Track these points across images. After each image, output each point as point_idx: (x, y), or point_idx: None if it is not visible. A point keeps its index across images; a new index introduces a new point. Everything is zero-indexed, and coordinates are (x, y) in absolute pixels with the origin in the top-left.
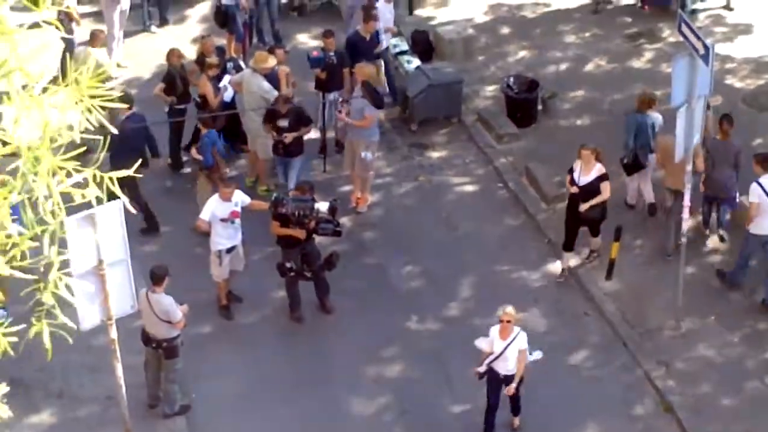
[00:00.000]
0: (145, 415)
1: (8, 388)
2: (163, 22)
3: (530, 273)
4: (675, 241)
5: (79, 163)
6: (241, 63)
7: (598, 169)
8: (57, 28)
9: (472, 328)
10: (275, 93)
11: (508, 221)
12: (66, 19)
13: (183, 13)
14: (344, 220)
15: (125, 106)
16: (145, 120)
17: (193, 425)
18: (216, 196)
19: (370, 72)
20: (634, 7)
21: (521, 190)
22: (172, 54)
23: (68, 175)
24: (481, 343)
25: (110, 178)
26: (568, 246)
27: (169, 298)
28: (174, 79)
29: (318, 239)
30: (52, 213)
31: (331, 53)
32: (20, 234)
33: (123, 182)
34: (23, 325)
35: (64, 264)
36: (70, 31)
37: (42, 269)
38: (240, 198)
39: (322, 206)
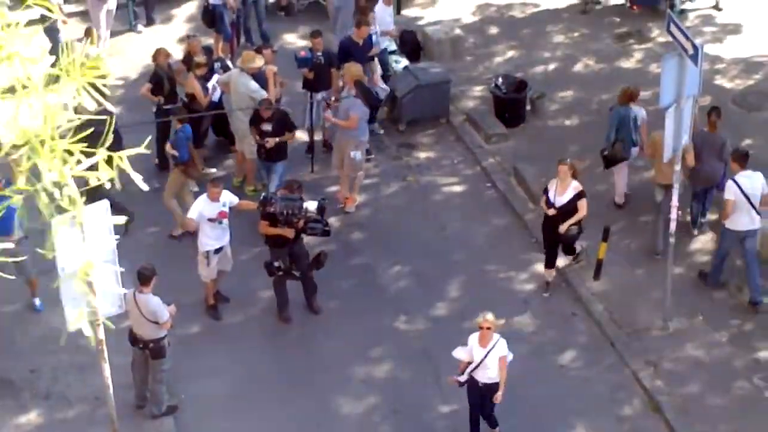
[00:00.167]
0: (132, 416)
1: None
2: (149, 21)
3: (518, 273)
4: (664, 239)
5: (86, 144)
6: (229, 63)
7: (574, 188)
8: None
9: (461, 328)
10: (263, 93)
11: (496, 221)
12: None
13: (169, 13)
14: (332, 221)
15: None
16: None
17: (180, 426)
18: (204, 196)
19: (357, 72)
20: (622, 7)
21: (509, 190)
22: (159, 54)
23: (78, 161)
24: (459, 354)
25: (120, 157)
26: (550, 263)
27: (156, 298)
28: (161, 79)
29: (306, 239)
30: (69, 199)
31: (319, 53)
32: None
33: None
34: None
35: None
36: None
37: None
38: (228, 198)
39: (311, 205)
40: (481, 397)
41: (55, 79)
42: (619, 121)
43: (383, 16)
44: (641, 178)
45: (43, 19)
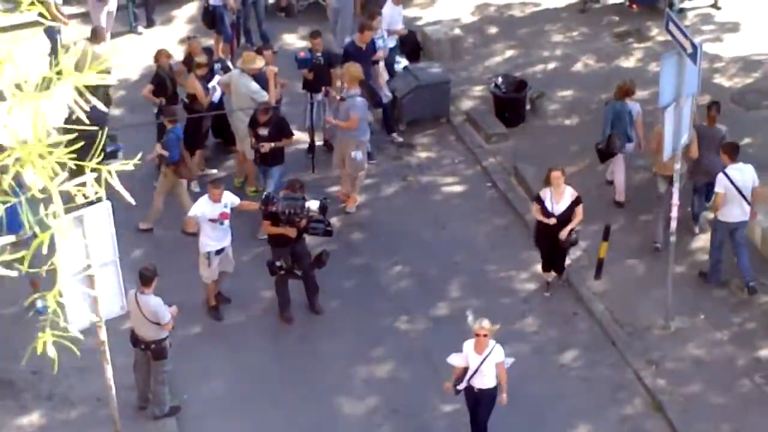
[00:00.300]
0: (135, 417)
1: None
2: (149, 23)
3: (519, 273)
4: (664, 231)
5: (74, 156)
6: (229, 64)
7: (570, 194)
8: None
9: (461, 328)
10: (264, 94)
11: (496, 221)
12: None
13: (169, 14)
14: (333, 221)
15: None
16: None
17: (183, 426)
18: (205, 197)
19: (357, 71)
20: (621, 6)
21: (510, 189)
22: (161, 54)
23: (70, 170)
24: (454, 360)
25: (108, 171)
26: (548, 266)
27: (157, 299)
28: (163, 80)
29: (307, 239)
30: (54, 214)
31: (319, 54)
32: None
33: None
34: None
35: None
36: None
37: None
38: (229, 199)
39: (313, 204)
40: (475, 403)
41: (50, 82)
42: (614, 116)
43: (393, 15)
44: (641, 177)
45: (39, 21)
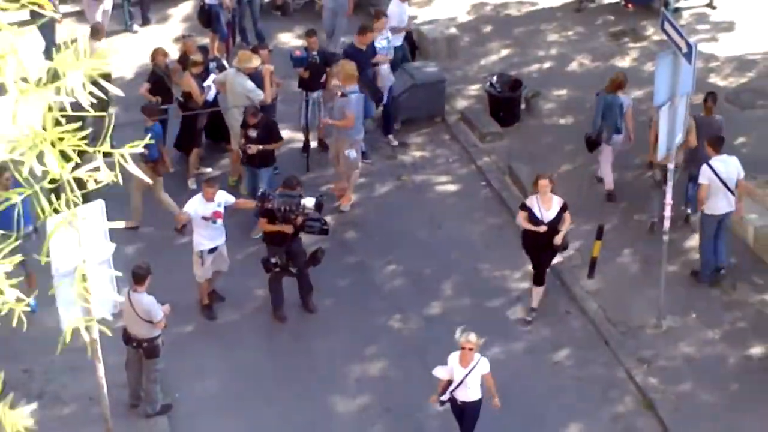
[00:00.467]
0: (126, 415)
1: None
2: (145, 21)
3: (513, 272)
4: (660, 213)
5: (86, 141)
6: (225, 62)
7: (558, 201)
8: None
9: (455, 327)
10: (259, 92)
11: (491, 220)
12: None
13: (165, 13)
14: (327, 219)
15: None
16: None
17: (174, 425)
18: (199, 196)
19: (352, 69)
20: (617, 6)
21: (504, 188)
22: (157, 53)
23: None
24: (439, 373)
25: (122, 155)
26: (540, 280)
27: (150, 297)
28: (159, 78)
29: (302, 238)
30: (67, 202)
31: (314, 52)
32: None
33: None
34: None
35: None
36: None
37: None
38: (224, 198)
39: (309, 202)
40: (460, 414)
41: (54, 75)
42: (605, 108)
43: (399, 13)
44: (634, 175)
45: (34, 17)
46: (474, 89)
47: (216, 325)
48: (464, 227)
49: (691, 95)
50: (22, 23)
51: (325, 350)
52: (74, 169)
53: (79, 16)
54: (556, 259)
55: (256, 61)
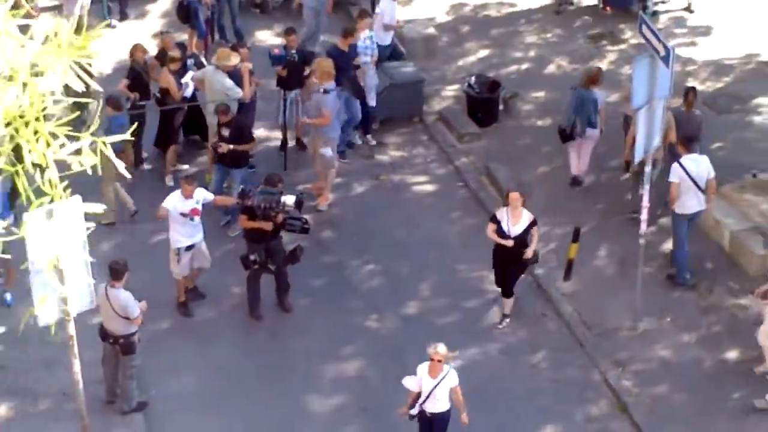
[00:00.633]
0: (102, 411)
1: None
2: (123, 16)
3: (490, 272)
4: (636, 199)
5: (70, 128)
6: (203, 59)
7: (527, 216)
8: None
9: (432, 327)
10: (238, 90)
11: (468, 220)
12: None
13: (143, 8)
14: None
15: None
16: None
17: (150, 422)
18: (178, 192)
19: (328, 66)
20: (596, 8)
21: (481, 189)
22: (136, 49)
23: (62, 145)
24: (408, 383)
25: (103, 143)
26: (508, 292)
27: (127, 293)
28: (138, 74)
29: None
30: (50, 183)
31: (293, 51)
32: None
33: None
34: None
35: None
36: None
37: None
38: (202, 195)
39: (289, 199)
40: (429, 427)
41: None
42: (578, 102)
43: (390, 10)
44: (611, 177)
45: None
46: (452, 90)
47: (192, 322)
48: (441, 227)
49: (669, 99)
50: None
51: (302, 349)
52: (57, 152)
53: (58, 10)
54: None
55: (235, 59)
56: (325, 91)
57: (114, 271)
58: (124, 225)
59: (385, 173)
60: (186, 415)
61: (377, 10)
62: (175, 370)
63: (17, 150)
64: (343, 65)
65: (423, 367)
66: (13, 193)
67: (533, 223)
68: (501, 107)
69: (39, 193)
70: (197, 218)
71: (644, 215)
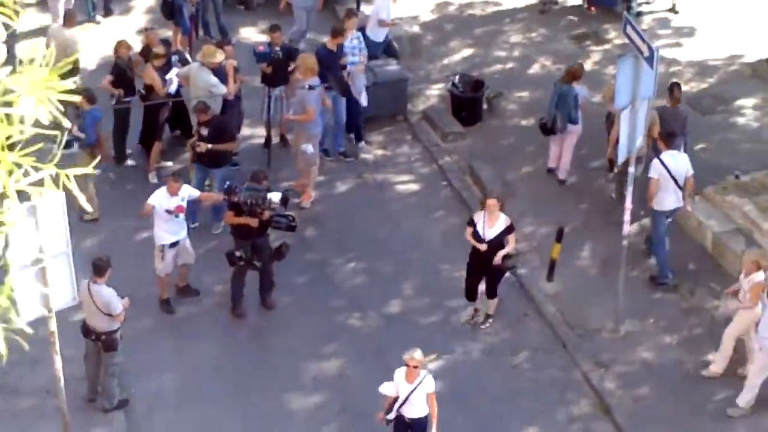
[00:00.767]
0: (84, 408)
1: None
2: (107, 12)
3: None
4: (619, 191)
5: (35, 159)
6: (187, 56)
7: (504, 221)
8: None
9: (414, 326)
10: (222, 88)
11: (451, 220)
12: None
13: (128, 4)
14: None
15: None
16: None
17: (131, 420)
18: (163, 189)
19: (312, 63)
20: (580, 8)
21: (465, 188)
22: (120, 46)
23: (25, 174)
24: (385, 389)
25: (66, 176)
26: (472, 296)
27: (110, 290)
28: (123, 71)
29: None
30: (9, 212)
31: (278, 48)
32: None
33: None
34: None
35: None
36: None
37: None
38: (187, 192)
39: (275, 196)
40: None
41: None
42: (558, 97)
43: (386, 6)
44: (594, 177)
45: None
46: (436, 89)
47: (174, 320)
48: (425, 226)
49: (653, 99)
50: None
51: (284, 348)
52: (18, 181)
53: (42, 6)
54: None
55: (220, 56)
56: (311, 87)
57: (97, 268)
58: (108, 222)
59: (369, 172)
60: (167, 414)
61: (363, 8)
62: (157, 367)
63: None
64: (331, 65)
65: (400, 372)
66: None
67: (509, 229)
68: (485, 106)
69: None
70: (182, 215)
71: (627, 216)
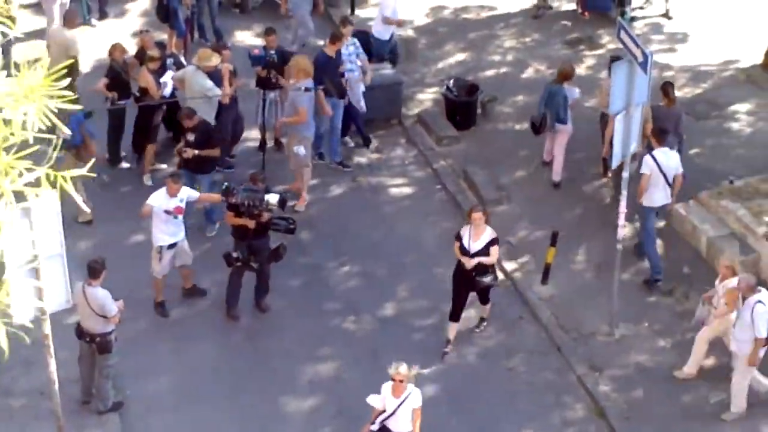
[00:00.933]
0: (78, 411)
1: None
2: (102, 15)
3: None
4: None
5: (31, 162)
6: (182, 59)
7: (489, 233)
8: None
9: (408, 329)
10: (217, 91)
11: (445, 223)
12: None
13: (123, 7)
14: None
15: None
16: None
17: (125, 422)
18: (163, 190)
19: (305, 64)
20: (574, 13)
21: (459, 192)
22: (115, 49)
23: (20, 175)
24: (372, 401)
25: (63, 177)
26: (455, 316)
27: (105, 291)
28: (117, 74)
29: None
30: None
31: (272, 51)
32: None
33: None
34: None
35: None
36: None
37: None
38: (186, 194)
39: (272, 198)
40: None
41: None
42: (548, 97)
43: (393, 3)
44: (592, 187)
45: None
46: (431, 92)
47: (168, 322)
48: (418, 230)
49: (647, 105)
50: None
51: (278, 350)
52: (14, 182)
53: (37, 8)
54: (511, 266)
55: (215, 60)
56: (307, 89)
57: (92, 270)
58: (102, 224)
59: (363, 175)
60: (161, 416)
61: (357, 12)
62: (151, 370)
63: None
64: (330, 71)
65: (387, 386)
66: None
67: (494, 241)
68: (479, 111)
69: None
70: (180, 216)
71: (621, 221)
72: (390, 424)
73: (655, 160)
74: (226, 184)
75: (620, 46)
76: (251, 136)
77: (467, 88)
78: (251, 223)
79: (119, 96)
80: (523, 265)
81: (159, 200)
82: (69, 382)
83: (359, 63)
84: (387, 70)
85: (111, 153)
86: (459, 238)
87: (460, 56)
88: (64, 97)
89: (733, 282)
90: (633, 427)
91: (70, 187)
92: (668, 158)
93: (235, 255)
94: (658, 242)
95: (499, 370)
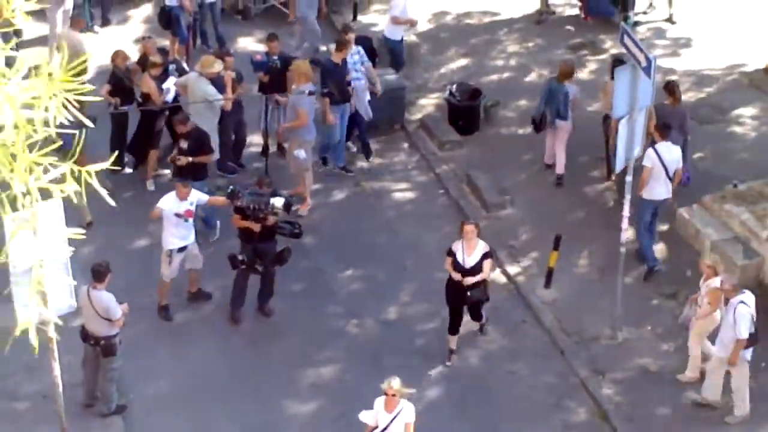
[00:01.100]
0: (82, 414)
1: None
2: (105, 22)
3: None
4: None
5: (56, 158)
6: (184, 65)
7: (482, 247)
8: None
9: (410, 333)
10: (220, 97)
11: (448, 228)
12: None
13: (125, 14)
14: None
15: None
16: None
17: (129, 425)
18: (173, 194)
19: (306, 68)
20: (577, 18)
21: (462, 197)
22: (118, 56)
23: (45, 171)
24: (364, 418)
25: (87, 172)
26: (454, 329)
27: (109, 295)
28: (120, 80)
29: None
30: (30, 206)
31: (275, 57)
32: None
33: None
34: None
35: None
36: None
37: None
38: (196, 197)
39: (278, 202)
40: None
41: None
42: (548, 94)
43: (398, 3)
44: (595, 190)
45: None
46: (433, 97)
47: (172, 326)
48: (421, 234)
49: (651, 109)
50: None
51: (280, 354)
52: (38, 179)
53: (40, 15)
54: (514, 269)
55: (218, 66)
56: (310, 93)
57: (96, 273)
58: (104, 228)
59: (366, 180)
60: (165, 419)
61: (360, 18)
62: (155, 373)
63: None
64: (336, 78)
65: (379, 401)
66: None
67: (486, 255)
68: (482, 115)
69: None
70: (191, 219)
71: (624, 224)
72: None
73: (657, 153)
74: (231, 187)
75: (623, 50)
76: (254, 141)
77: (470, 93)
78: (256, 227)
79: (122, 102)
80: (525, 269)
81: (169, 203)
82: (72, 385)
83: (363, 70)
84: (390, 75)
85: (114, 158)
86: (452, 253)
87: (463, 61)
88: (81, 92)
89: (715, 282)
90: (636, 431)
91: (95, 182)
92: (671, 152)
93: (240, 257)
94: (661, 246)
95: (502, 373)
